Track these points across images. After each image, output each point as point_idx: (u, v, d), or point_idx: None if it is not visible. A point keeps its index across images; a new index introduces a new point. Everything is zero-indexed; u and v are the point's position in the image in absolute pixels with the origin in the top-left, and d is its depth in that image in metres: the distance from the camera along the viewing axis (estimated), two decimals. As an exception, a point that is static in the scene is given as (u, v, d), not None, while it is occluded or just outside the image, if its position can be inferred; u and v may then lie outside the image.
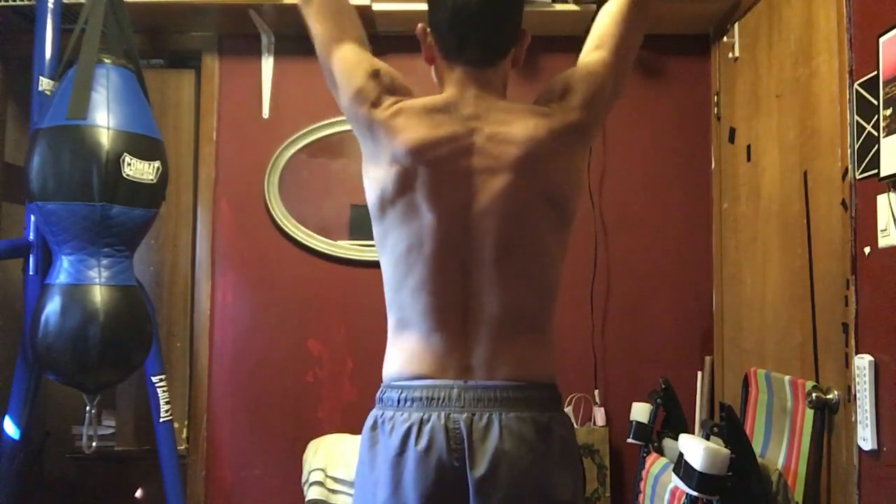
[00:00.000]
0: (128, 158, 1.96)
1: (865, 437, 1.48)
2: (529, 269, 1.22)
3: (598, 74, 1.28)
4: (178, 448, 2.36)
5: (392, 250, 1.23)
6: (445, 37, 1.26)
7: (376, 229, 1.26)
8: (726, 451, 1.55)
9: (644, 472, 2.08)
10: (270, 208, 2.53)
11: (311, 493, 2.23)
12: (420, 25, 1.30)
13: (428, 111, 1.23)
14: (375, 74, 1.27)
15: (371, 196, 1.25)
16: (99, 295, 1.95)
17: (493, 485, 1.13)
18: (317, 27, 1.31)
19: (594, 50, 1.31)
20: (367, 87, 1.25)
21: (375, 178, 1.23)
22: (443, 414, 1.15)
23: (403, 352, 1.23)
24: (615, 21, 1.31)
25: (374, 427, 1.21)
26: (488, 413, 1.15)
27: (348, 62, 1.28)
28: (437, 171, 1.20)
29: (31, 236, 2.14)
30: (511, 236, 1.20)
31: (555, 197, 1.22)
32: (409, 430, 1.15)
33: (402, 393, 1.19)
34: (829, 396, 1.64)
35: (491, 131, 1.22)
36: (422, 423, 1.15)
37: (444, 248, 1.19)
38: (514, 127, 1.22)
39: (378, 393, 1.25)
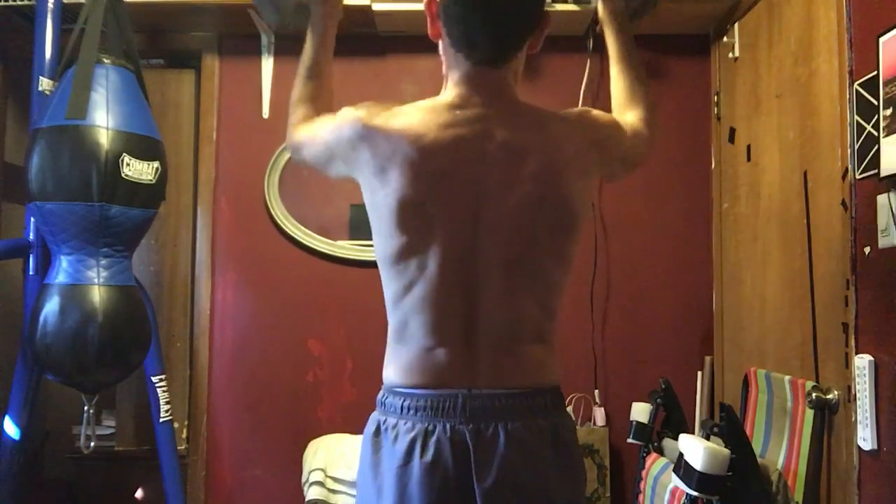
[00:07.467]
0: (127, 158, 1.96)
1: (865, 437, 1.48)
2: (535, 283, 1.18)
3: (618, 127, 1.32)
4: (178, 448, 2.36)
5: (399, 262, 1.17)
6: (456, 25, 1.15)
7: (384, 243, 1.19)
8: (726, 451, 1.55)
9: (644, 472, 2.08)
10: (270, 208, 2.53)
11: (311, 493, 2.23)
12: None
13: (431, 112, 1.17)
14: (352, 108, 1.22)
15: (383, 213, 1.17)
16: (97, 295, 1.95)
17: (501, 494, 1.11)
18: (317, 162, 1.33)
19: (621, 114, 1.40)
20: (350, 116, 1.21)
21: (385, 194, 1.15)
22: (448, 426, 1.13)
23: (406, 359, 1.18)
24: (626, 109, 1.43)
25: (377, 433, 1.19)
26: (493, 423, 1.13)
27: (329, 136, 1.26)
28: (446, 179, 1.14)
29: (31, 236, 2.14)
30: (519, 249, 1.16)
31: (564, 210, 1.17)
32: (413, 440, 1.13)
33: (405, 400, 1.16)
34: (829, 396, 1.64)
35: (503, 138, 1.15)
36: (427, 434, 1.13)
37: (451, 258, 1.15)
38: (529, 133, 1.17)
39: (379, 396, 1.22)
